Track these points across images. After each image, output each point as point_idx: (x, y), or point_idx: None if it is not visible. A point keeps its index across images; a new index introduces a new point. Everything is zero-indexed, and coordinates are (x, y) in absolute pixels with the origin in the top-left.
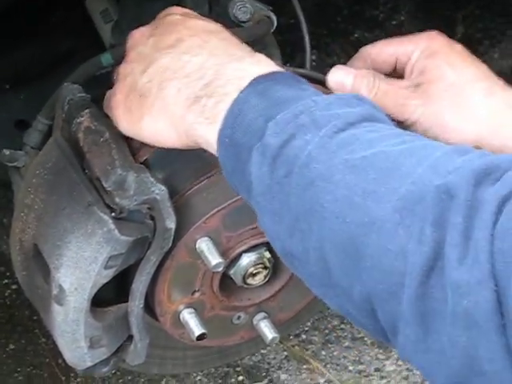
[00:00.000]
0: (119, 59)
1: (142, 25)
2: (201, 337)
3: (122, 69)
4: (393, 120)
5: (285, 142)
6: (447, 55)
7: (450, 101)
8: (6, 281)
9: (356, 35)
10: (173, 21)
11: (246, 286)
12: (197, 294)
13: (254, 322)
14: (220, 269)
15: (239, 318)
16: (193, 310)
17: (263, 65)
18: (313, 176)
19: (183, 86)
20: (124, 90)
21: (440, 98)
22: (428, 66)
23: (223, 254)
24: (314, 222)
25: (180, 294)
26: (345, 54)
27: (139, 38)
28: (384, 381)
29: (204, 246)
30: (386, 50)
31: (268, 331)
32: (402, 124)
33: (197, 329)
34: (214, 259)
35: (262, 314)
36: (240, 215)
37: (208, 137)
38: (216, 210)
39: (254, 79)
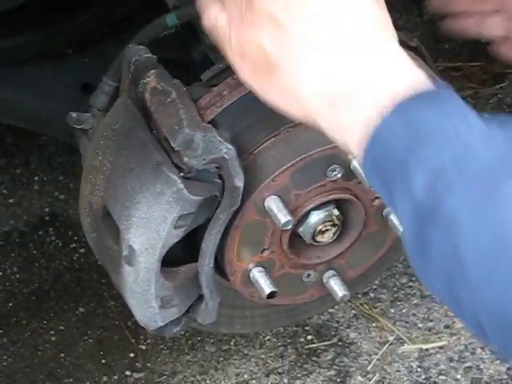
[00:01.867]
0: (184, 20)
1: None
2: (271, 295)
3: (245, 30)
4: None
5: (435, 199)
6: None
7: None
8: (74, 245)
9: None
10: None
11: (315, 243)
12: (266, 253)
13: (324, 280)
14: (289, 227)
15: (309, 276)
16: (262, 269)
17: (407, 71)
18: (459, 237)
19: (322, 66)
20: (250, 53)
21: None
22: None
23: (292, 211)
24: (460, 285)
25: (249, 252)
26: (407, 11)
27: None
28: (454, 338)
29: (273, 204)
30: None
31: (338, 289)
32: None
33: (267, 287)
34: (283, 217)
35: (331, 272)
36: (309, 173)
37: (344, 139)
38: (285, 167)
39: (405, 101)
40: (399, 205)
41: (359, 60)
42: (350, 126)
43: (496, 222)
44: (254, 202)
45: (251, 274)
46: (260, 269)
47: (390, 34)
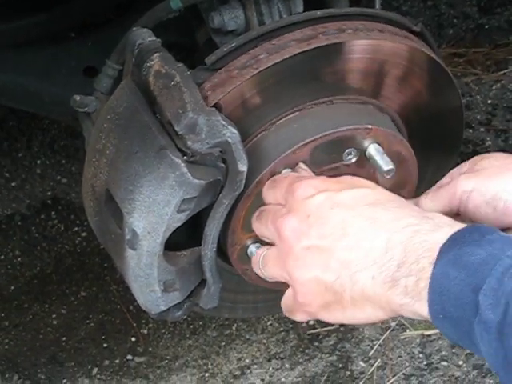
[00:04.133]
0: (188, 3)
1: None
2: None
3: (293, 269)
4: None
5: (503, 313)
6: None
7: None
8: (76, 228)
9: None
10: (320, 204)
11: None
12: None
13: None
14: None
15: None
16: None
17: (443, 226)
18: None
19: (376, 272)
20: (313, 293)
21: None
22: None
23: None
24: None
25: None
26: None
27: (295, 233)
28: None
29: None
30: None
31: None
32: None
33: None
34: None
35: None
36: (326, 151)
37: (419, 312)
38: (307, 141)
39: (443, 248)
40: (481, 344)
41: (406, 240)
42: (421, 294)
43: None
44: (272, 170)
45: (249, 250)
46: (258, 245)
47: (416, 208)
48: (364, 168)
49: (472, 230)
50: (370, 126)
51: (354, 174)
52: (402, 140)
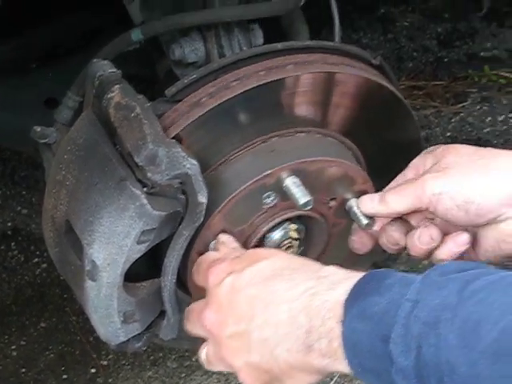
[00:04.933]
0: (149, 35)
1: (171, 1)
2: None
3: (228, 358)
4: None
5: (416, 358)
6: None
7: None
8: (37, 259)
9: (382, 11)
10: (228, 290)
11: None
12: None
13: None
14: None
15: None
16: None
17: (340, 283)
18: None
19: (289, 345)
20: (251, 376)
21: (458, 165)
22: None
23: (245, 244)
24: None
25: None
26: (371, 30)
27: (216, 325)
28: None
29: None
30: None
31: None
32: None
33: None
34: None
35: None
36: (243, 208)
37: (341, 369)
38: (215, 212)
39: (346, 304)
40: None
41: (306, 307)
42: (337, 353)
43: None
44: (204, 242)
45: None
46: None
47: (311, 268)
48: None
49: (369, 279)
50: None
51: (287, 209)
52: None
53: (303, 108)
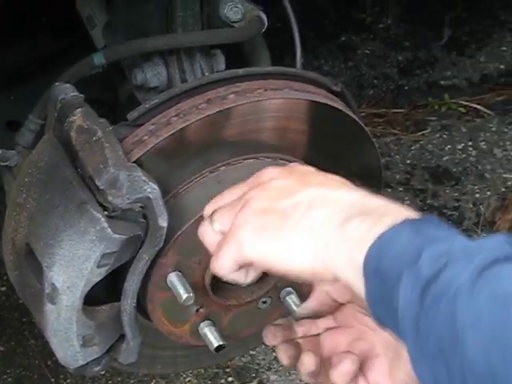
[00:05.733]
0: (111, 59)
1: (133, 26)
2: None
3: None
4: None
5: (438, 271)
6: None
7: None
8: None
9: (343, 38)
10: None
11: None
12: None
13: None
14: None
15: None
16: None
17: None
18: (458, 311)
19: (335, 211)
20: (254, 212)
21: None
22: None
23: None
24: (456, 354)
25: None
26: (332, 57)
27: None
28: None
29: (174, 279)
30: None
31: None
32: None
33: None
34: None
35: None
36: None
37: (354, 256)
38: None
39: (410, 219)
40: (403, 289)
41: (378, 207)
42: (366, 239)
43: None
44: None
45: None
46: None
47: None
48: None
49: (440, 221)
50: None
51: None
52: None
53: (263, 135)
